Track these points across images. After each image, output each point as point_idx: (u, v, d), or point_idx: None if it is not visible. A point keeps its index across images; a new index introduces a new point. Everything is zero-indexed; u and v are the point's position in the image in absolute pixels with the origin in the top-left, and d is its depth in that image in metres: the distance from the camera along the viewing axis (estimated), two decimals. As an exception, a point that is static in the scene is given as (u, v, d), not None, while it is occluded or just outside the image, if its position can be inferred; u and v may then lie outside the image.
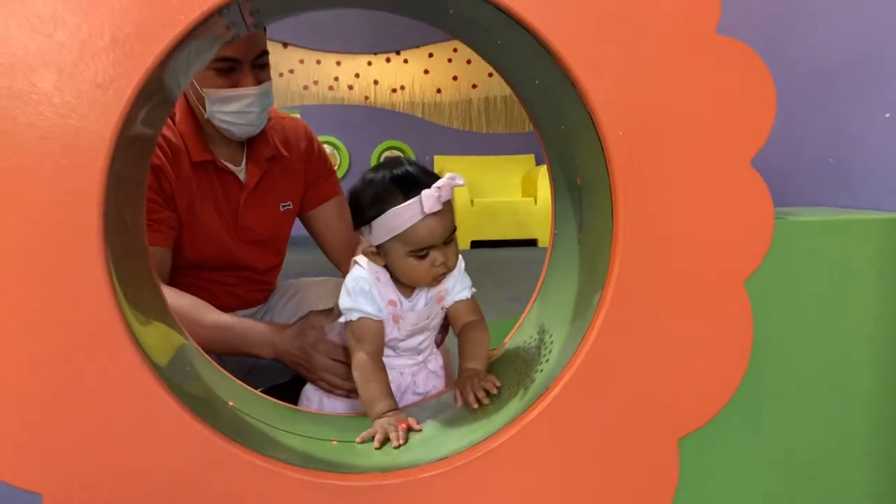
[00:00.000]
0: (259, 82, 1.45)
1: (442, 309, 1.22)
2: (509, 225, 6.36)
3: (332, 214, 1.70)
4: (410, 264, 1.11)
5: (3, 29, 0.81)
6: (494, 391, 1.09)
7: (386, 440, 1.04)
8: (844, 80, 1.24)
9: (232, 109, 1.42)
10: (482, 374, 1.13)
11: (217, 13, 0.88)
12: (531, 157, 7.34)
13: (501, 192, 7.03)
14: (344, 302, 1.16)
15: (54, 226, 0.83)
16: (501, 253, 5.85)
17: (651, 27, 0.92)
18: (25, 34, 0.81)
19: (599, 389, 0.97)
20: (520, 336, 1.22)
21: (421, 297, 1.19)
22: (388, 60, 7.60)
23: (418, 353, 1.24)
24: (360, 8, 1.16)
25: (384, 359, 1.20)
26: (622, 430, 0.98)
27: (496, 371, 1.17)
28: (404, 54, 7.62)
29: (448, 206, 1.10)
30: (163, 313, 1.12)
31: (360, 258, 1.19)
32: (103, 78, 0.83)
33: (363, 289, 1.14)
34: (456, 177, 1.08)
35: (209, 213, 1.52)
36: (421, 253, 1.10)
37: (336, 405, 1.30)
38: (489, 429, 0.99)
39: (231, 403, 1.06)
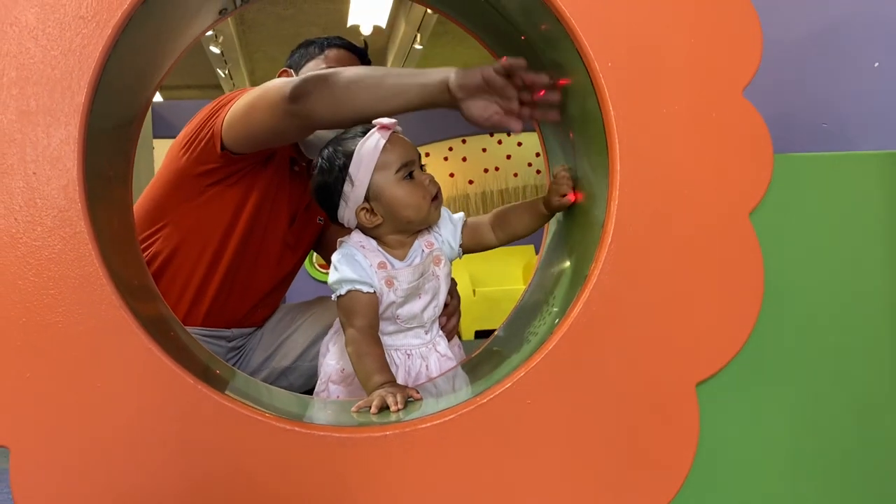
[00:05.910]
0: None
1: (445, 276, 1.18)
2: (512, 313, 6.29)
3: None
4: (406, 189, 1.11)
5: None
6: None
7: (383, 408, 0.97)
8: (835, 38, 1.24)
9: None
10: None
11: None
12: (531, 247, 7.35)
13: (503, 281, 6.99)
14: (331, 277, 1.12)
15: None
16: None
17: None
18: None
19: (604, 335, 0.91)
20: (522, 306, 1.17)
21: (417, 255, 1.15)
22: (386, 161, 7.76)
23: (424, 330, 1.18)
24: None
25: (387, 338, 1.15)
26: (634, 376, 0.91)
27: (500, 341, 1.11)
28: (402, 154, 7.79)
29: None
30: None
31: (343, 238, 1.17)
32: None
33: (346, 255, 1.11)
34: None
35: (281, 206, 1.52)
36: (408, 172, 1.11)
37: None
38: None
39: (218, 372, 1.00)
